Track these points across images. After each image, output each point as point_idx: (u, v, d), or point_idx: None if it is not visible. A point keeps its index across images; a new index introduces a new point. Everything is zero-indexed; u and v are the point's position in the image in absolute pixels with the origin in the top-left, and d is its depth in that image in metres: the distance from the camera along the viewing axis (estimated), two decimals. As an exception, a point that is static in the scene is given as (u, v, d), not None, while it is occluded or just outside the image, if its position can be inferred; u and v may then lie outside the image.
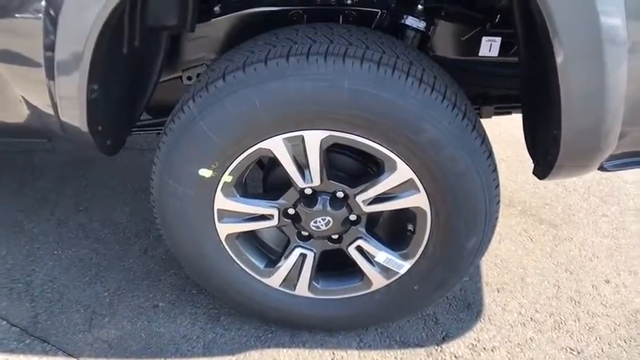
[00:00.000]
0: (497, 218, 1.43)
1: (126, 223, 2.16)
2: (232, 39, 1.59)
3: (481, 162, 1.30)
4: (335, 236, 1.49)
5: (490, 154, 1.34)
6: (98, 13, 1.14)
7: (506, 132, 2.78)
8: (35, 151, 2.58)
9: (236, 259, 1.52)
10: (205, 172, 1.32)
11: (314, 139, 1.27)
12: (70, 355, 1.68)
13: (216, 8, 1.56)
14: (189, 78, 1.69)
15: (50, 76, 1.25)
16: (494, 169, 1.36)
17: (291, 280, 1.55)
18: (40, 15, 1.20)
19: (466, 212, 1.36)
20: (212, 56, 1.65)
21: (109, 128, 1.41)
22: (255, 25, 1.55)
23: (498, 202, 1.41)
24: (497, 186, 1.38)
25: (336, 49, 1.20)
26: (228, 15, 1.56)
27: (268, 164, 1.52)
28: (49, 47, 1.22)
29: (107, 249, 2.05)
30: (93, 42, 1.17)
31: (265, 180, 1.52)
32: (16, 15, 1.24)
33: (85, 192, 2.33)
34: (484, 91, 1.77)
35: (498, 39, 1.59)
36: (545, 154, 1.37)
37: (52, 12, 1.18)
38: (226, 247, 1.49)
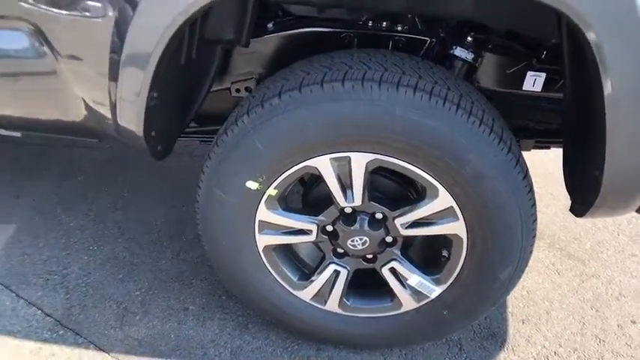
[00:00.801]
0: (531, 252, 1.45)
1: (160, 225, 2.22)
2: (281, 56, 1.64)
3: (522, 196, 1.32)
4: (370, 256, 1.52)
5: (530, 189, 1.36)
6: (169, 25, 1.19)
7: (539, 163, 2.78)
8: (76, 147, 2.66)
9: (271, 270, 1.56)
10: (252, 185, 1.37)
11: (360, 161, 1.31)
12: (100, 349, 1.73)
13: (270, 25, 1.61)
14: (238, 90, 1.75)
15: (113, 80, 1.31)
16: (534, 204, 1.38)
17: (322, 295, 1.59)
18: (111, 19, 1.24)
19: (502, 244, 1.38)
20: (260, 71, 1.70)
21: (162, 134, 1.47)
22: (305, 45, 1.60)
23: (534, 236, 1.43)
24: (535, 220, 1.40)
25: (390, 77, 1.24)
26: (281, 33, 1.61)
27: (310, 181, 1.56)
28: (116, 52, 1.27)
29: (141, 249, 2.10)
30: (159, 52, 1.22)
31: (306, 195, 1.56)
32: (86, 16, 1.28)
33: (122, 191, 2.39)
34: (525, 123, 1.79)
35: (543, 74, 1.61)
36: (585, 194, 1.39)
37: (123, 18, 1.22)
38: (263, 257, 1.53)
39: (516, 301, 1.96)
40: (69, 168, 2.51)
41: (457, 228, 1.39)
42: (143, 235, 2.16)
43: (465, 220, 1.36)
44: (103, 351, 1.72)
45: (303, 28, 1.60)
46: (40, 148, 2.63)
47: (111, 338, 1.76)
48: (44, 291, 1.92)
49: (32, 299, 1.89)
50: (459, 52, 1.54)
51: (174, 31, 1.20)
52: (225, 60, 1.68)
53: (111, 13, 1.23)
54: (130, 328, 1.79)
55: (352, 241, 1.47)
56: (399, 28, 1.58)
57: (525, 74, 1.62)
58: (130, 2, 1.19)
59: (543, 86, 1.63)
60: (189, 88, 1.57)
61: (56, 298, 1.90)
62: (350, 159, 1.31)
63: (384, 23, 1.59)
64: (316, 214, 1.46)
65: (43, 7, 1.31)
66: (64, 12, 1.29)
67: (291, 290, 1.60)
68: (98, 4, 1.26)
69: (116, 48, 1.26)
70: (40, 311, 1.85)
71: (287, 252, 1.59)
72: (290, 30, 1.61)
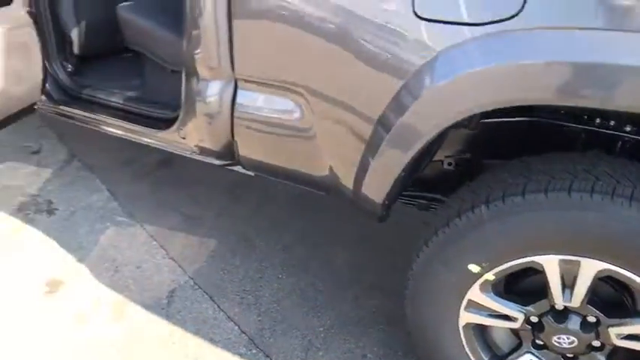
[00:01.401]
0: None
1: (341, 265, 2.37)
2: (497, 139, 1.73)
3: None
4: (570, 355, 1.53)
5: None
6: (439, 124, 1.33)
7: None
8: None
9: (465, 345, 1.63)
10: (474, 268, 1.46)
11: (591, 268, 1.34)
12: (286, 375, 1.91)
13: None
14: (450, 164, 1.87)
15: (369, 156, 1.48)
16: None
17: (510, 379, 1.62)
18: (387, 100, 1.38)
19: None
20: (471, 150, 1.81)
21: (390, 201, 1.62)
22: (520, 132, 1.67)
23: None
24: None
25: (640, 195, 1.27)
26: (500, 120, 1.69)
27: (523, 269, 1.60)
28: (381, 132, 1.42)
29: (324, 286, 2.26)
30: (426, 140, 1.36)
31: (515, 282, 1.60)
32: (355, 107, 1.46)
33: (310, 227, 2.57)
34: None
35: None
36: None
37: (396, 109, 1.36)
38: (461, 332, 1.61)
39: None
40: (264, 197, 2.77)
41: (678, 351, 1.36)
42: (325, 274, 2.33)
43: (689, 346, 1.34)
44: (289, 378, 1.91)
45: (523, 116, 1.67)
46: (240, 176, 2.95)
47: (296, 368, 1.94)
48: (240, 308, 2.16)
49: (230, 314, 2.14)
50: None
51: (446, 126, 1.33)
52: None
53: (382, 103, 1.39)
54: (313, 362, 1.96)
55: (559, 338, 1.49)
56: (628, 129, 1.59)
57: None
58: (405, 100, 1.35)
59: None
60: (418, 161, 1.71)
61: (250, 317, 2.12)
62: (580, 263, 1.35)
63: (612, 122, 1.60)
64: (525, 304, 1.51)
65: (317, 88, 1.53)
66: (338, 94, 1.50)
67: (480, 368, 1.65)
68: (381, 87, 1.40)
69: (383, 130, 1.41)
70: (237, 327, 2.09)
71: (483, 331, 1.65)
72: (509, 117, 1.69)
